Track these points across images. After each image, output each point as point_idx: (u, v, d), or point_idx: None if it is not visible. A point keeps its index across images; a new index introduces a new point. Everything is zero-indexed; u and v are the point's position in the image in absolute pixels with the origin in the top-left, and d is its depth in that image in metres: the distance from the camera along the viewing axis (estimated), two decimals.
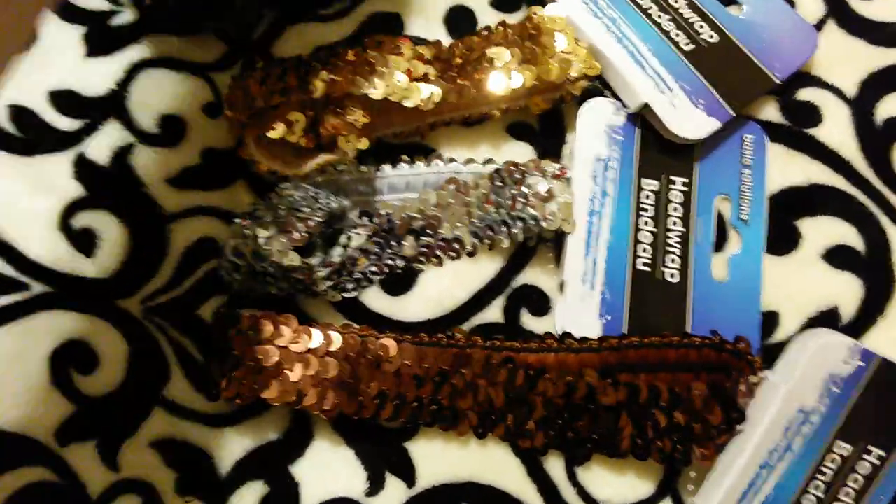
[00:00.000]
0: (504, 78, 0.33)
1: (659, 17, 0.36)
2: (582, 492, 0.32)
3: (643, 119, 0.35)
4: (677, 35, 0.36)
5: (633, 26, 0.36)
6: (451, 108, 0.34)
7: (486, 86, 0.34)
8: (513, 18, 0.38)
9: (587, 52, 0.34)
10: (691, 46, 0.35)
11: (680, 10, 0.36)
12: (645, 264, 0.33)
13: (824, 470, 0.29)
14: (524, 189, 0.33)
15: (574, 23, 0.36)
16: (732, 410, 0.30)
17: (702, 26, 0.36)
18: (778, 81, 0.35)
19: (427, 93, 0.33)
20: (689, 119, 0.34)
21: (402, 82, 0.32)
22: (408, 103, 0.33)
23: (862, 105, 0.36)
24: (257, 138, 0.33)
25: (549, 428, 0.31)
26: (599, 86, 0.36)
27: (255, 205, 0.33)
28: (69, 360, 0.33)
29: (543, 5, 0.37)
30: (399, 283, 0.34)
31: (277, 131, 0.33)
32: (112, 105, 0.36)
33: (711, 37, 0.36)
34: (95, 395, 0.33)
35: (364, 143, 0.33)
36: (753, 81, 0.35)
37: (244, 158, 0.34)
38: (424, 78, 0.33)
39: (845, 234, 0.34)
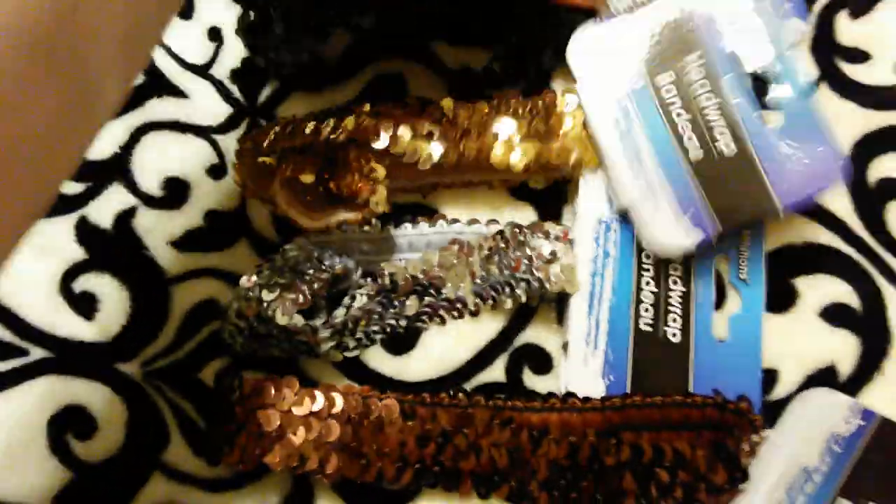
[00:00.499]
0: (506, 150, 0.34)
1: (678, 115, 0.34)
2: None
3: None
4: (690, 139, 0.33)
5: (644, 122, 0.34)
6: (451, 170, 0.34)
7: (487, 154, 0.34)
8: None
9: (590, 141, 0.34)
10: (700, 154, 0.33)
11: (705, 112, 0.34)
12: (647, 324, 0.34)
13: None
14: (528, 251, 0.34)
15: (587, 107, 0.34)
16: (736, 470, 0.30)
17: (722, 133, 0.33)
18: (780, 209, 0.33)
19: (427, 151, 0.33)
20: (671, 228, 0.33)
21: (404, 136, 0.33)
22: (407, 159, 0.33)
23: (855, 166, 0.37)
24: (285, 182, 0.33)
25: (552, 489, 0.31)
26: None
27: (259, 266, 0.33)
28: (68, 426, 0.33)
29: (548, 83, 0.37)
30: (402, 342, 0.35)
31: (309, 175, 0.33)
32: (116, 168, 0.36)
33: (728, 146, 0.33)
34: (94, 462, 0.32)
35: (384, 201, 0.33)
36: (754, 203, 0.33)
37: (265, 202, 0.35)
38: (428, 136, 0.33)
39: (841, 292, 0.35)
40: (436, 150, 0.34)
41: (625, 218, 0.34)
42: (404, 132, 0.33)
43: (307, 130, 0.32)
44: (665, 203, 0.33)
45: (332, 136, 0.32)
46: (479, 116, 0.34)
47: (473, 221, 0.35)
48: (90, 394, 0.33)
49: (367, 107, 0.33)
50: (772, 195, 0.33)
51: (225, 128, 0.37)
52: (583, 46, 0.35)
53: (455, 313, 0.35)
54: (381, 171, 0.33)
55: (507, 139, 0.34)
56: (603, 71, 0.35)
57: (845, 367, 0.34)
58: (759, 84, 0.35)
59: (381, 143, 0.32)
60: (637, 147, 0.34)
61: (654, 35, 0.35)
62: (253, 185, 0.34)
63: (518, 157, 0.34)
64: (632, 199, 0.33)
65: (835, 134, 0.34)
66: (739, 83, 0.34)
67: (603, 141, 0.34)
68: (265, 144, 0.33)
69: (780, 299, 0.35)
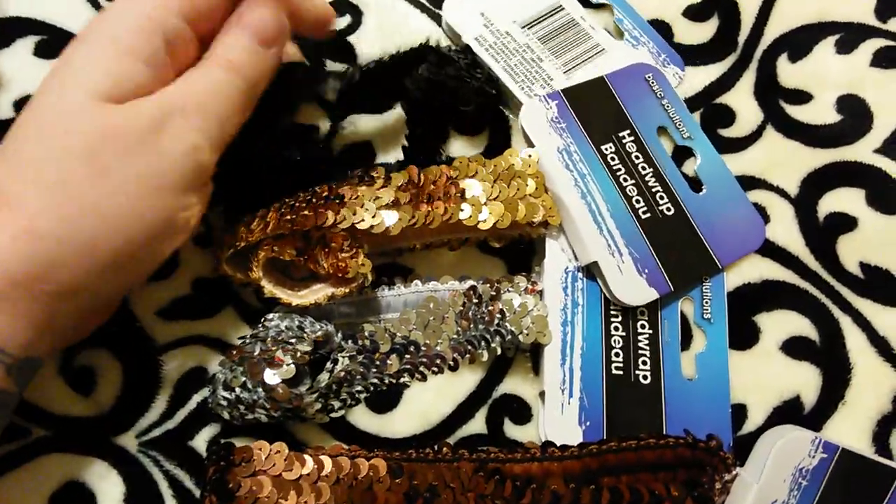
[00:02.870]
0: (473, 210, 0.35)
1: (625, 180, 0.38)
2: None
3: None
4: (638, 202, 0.37)
5: (599, 185, 0.37)
6: (419, 234, 0.36)
7: (454, 217, 0.35)
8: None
9: (552, 200, 0.36)
10: (648, 215, 0.37)
11: (646, 178, 0.38)
12: (618, 368, 0.35)
13: None
14: (500, 304, 0.35)
15: (545, 170, 0.37)
16: None
17: (662, 197, 0.37)
18: (720, 267, 0.37)
19: (391, 221, 0.34)
20: (631, 285, 0.35)
21: (369, 210, 0.34)
22: (376, 230, 0.34)
23: (804, 203, 0.39)
24: (267, 262, 0.34)
25: None
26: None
27: (243, 338, 0.34)
28: (68, 503, 0.33)
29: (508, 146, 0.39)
30: (385, 400, 0.36)
31: (290, 253, 0.34)
32: None
33: (669, 209, 0.37)
34: None
35: (370, 273, 0.35)
36: (698, 262, 0.36)
37: (244, 284, 0.36)
38: (395, 204, 0.35)
39: (800, 325, 0.37)
40: (402, 216, 0.34)
41: (588, 272, 0.36)
42: (369, 206, 0.34)
43: (273, 225, 0.34)
44: (628, 260, 0.35)
45: (296, 227, 0.33)
46: (442, 180, 0.35)
47: (446, 279, 0.37)
48: (88, 469, 0.34)
49: (325, 190, 0.35)
50: (713, 257, 0.37)
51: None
52: (533, 115, 0.39)
53: (435, 369, 0.36)
54: (365, 249, 0.34)
55: (475, 200, 0.35)
56: (555, 138, 0.38)
57: (809, 398, 0.35)
58: (684, 155, 0.40)
59: (346, 223, 0.34)
60: (597, 206, 0.36)
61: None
62: (241, 274, 0.35)
63: (486, 217, 0.35)
64: (598, 255, 0.36)
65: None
66: (666, 156, 0.39)
67: (566, 200, 0.36)
68: (243, 238, 0.34)
69: (744, 336, 0.37)
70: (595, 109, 0.39)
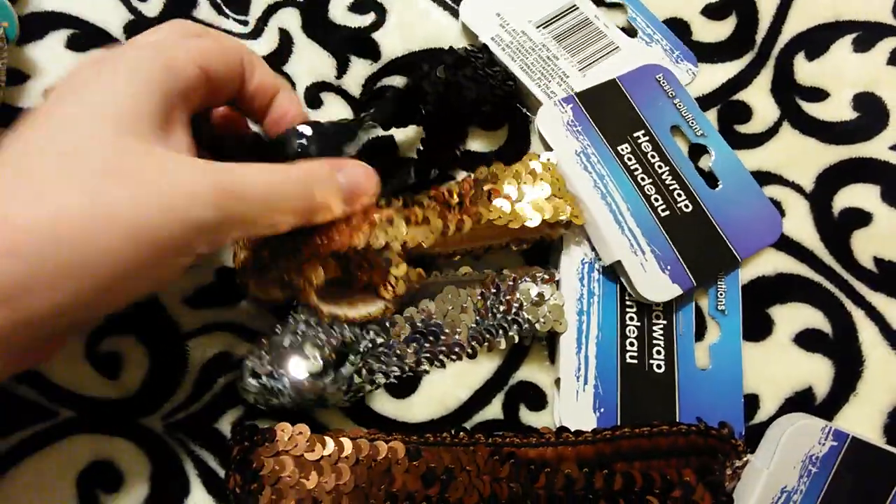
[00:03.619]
0: (504, 212, 0.35)
1: (643, 179, 0.38)
2: None
3: None
4: (656, 200, 0.38)
5: (618, 185, 0.38)
6: (447, 244, 0.37)
7: (484, 218, 0.35)
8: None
9: (575, 201, 0.37)
10: (667, 213, 0.38)
11: (663, 176, 0.38)
12: (633, 357, 0.36)
13: None
14: (517, 294, 0.36)
15: (565, 173, 0.38)
16: (721, 494, 0.32)
17: (679, 195, 0.38)
18: (739, 260, 0.37)
19: (423, 236, 0.35)
20: (655, 283, 0.36)
21: (400, 228, 0.34)
22: (410, 246, 0.35)
23: (819, 199, 0.39)
24: (317, 288, 0.34)
25: None
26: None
27: (275, 328, 0.35)
28: (95, 482, 0.34)
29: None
30: (404, 386, 0.37)
31: (336, 273, 0.35)
32: None
33: (687, 206, 0.38)
34: None
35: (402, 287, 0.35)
36: (718, 257, 0.37)
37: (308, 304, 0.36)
38: (425, 221, 0.35)
39: (813, 318, 0.37)
40: (433, 230, 0.35)
41: (607, 272, 0.37)
42: (399, 224, 0.34)
43: (313, 244, 0.33)
44: (651, 258, 0.36)
45: (330, 250, 0.33)
46: (466, 187, 0.36)
47: (465, 270, 0.38)
48: (115, 449, 0.35)
49: (353, 218, 0.34)
50: (733, 251, 0.37)
51: None
52: (549, 119, 0.39)
53: (453, 356, 0.37)
54: (413, 273, 0.35)
55: (502, 202, 0.35)
56: (572, 141, 0.39)
57: (821, 389, 0.36)
58: (699, 152, 0.41)
59: (380, 243, 0.34)
60: (617, 205, 0.37)
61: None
62: (269, 292, 0.36)
63: (515, 217, 0.35)
64: (621, 255, 0.36)
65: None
66: (681, 154, 0.39)
67: (587, 201, 0.37)
68: (267, 264, 0.34)
69: (757, 328, 0.37)
70: (609, 111, 0.40)
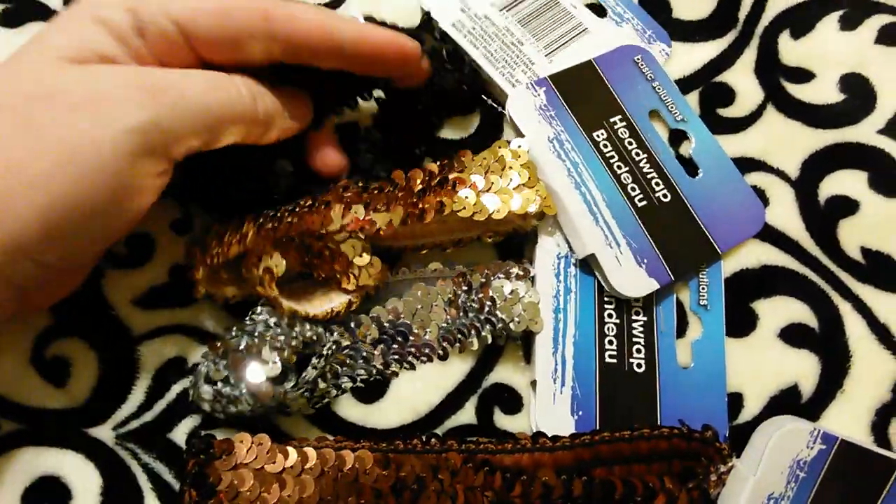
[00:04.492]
0: (469, 202, 0.33)
1: (619, 167, 0.36)
2: None
3: None
4: (633, 189, 0.36)
5: (592, 173, 0.36)
6: (409, 235, 0.35)
7: (447, 209, 0.33)
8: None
9: (546, 191, 0.35)
10: (644, 203, 0.36)
11: (640, 164, 0.36)
12: (612, 356, 0.34)
13: None
14: (490, 292, 0.34)
15: (537, 161, 0.36)
16: (704, 501, 0.31)
17: (658, 184, 0.36)
18: (720, 252, 0.36)
19: (383, 221, 0.33)
20: (631, 277, 0.34)
21: (357, 214, 0.33)
22: (366, 233, 0.33)
23: (805, 186, 0.38)
24: (274, 279, 0.33)
25: None
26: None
27: (229, 331, 0.33)
28: (42, 498, 0.32)
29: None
30: (372, 390, 0.35)
31: (296, 266, 0.33)
32: None
33: (665, 196, 0.36)
34: None
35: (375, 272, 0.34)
36: (697, 249, 0.35)
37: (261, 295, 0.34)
38: (385, 208, 0.33)
39: (799, 312, 0.36)
40: (393, 216, 0.33)
41: (584, 266, 0.35)
42: (357, 209, 0.32)
43: (262, 230, 0.32)
44: (626, 251, 0.34)
45: (284, 234, 0.32)
46: (431, 178, 0.34)
47: (435, 266, 0.36)
48: (63, 462, 0.33)
49: (309, 200, 0.33)
50: (713, 244, 0.35)
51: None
52: (521, 103, 0.37)
53: (423, 358, 0.35)
54: (376, 262, 0.33)
55: (467, 192, 0.34)
56: (545, 126, 0.37)
57: (807, 386, 0.35)
58: (679, 138, 0.39)
59: (335, 225, 0.32)
60: (592, 195, 0.35)
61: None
62: (225, 289, 0.34)
63: (481, 208, 0.33)
64: (595, 247, 0.34)
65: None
66: (660, 140, 0.37)
67: (560, 191, 0.35)
68: (222, 251, 0.32)
69: (740, 323, 0.36)
70: (584, 95, 0.38)
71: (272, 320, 0.33)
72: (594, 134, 0.37)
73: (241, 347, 0.32)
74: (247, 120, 0.30)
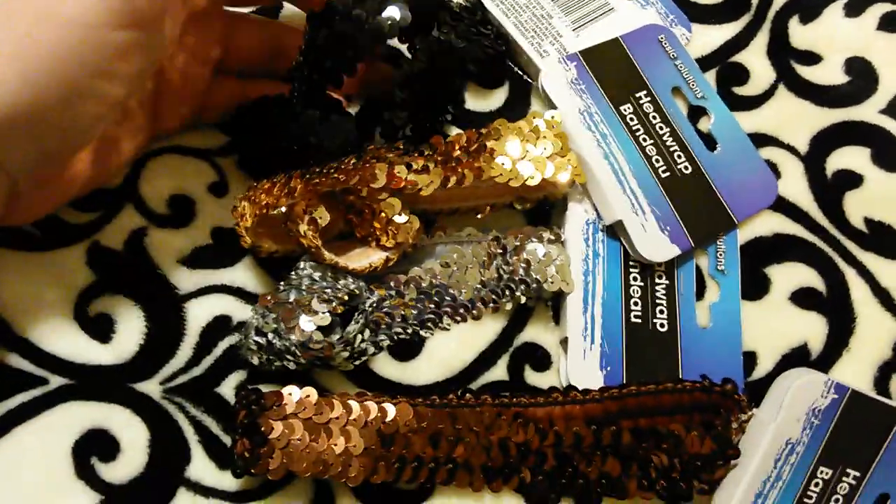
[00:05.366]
0: (503, 169, 0.35)
1: (644, 140, 0.38)
2: None
3: None
4: (657, 161, 0.38)
5: (620, 145, 0.38)
6: (446, 198, 0.37)
7: (486, 174, 0.35)
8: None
9: (577, 160, 0.37)
10: (668, 174, 0.38)
11: (664, 138, 0.38)
12: (637, 316, 0.36)
13: (810, 494, 0.33)
14: (524, 255, 0.36)
15: (568, 131, 0.38)
16: (728, 447, 0.33)
17: (680, 156, 0.38)
18: (737, 222, 0.38)
19: (426, 181, 0.34)
20: (655, 243, 0.36)
21: (401, 173, 0.34)
22: (408, 192, 0.34)
23: (813, 161, 0.40)
24: (321, 232, 0.34)
25: (560, 477, 0.33)
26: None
27: (278, 285, 0.34)
28: (92, 450, 0.33)
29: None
30: (408, 348, 0.36)
31: (339, 222, 0.35)
32: (126, 193, 0.37)
33: (686, 168, 0.38)
34: (120, 483, 0.33)
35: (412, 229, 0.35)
36: (716, 218, 0.38)
37: (271, 253, 0.36)
38: (424, 170, 0.34)
39: (808, 277, 0.38)
40: (433, 178, 0.34)
41: (611, 232, 0.37)
42: (400, 170, 0.34)
43: (309, 184, 0.33)
44: (651, 219, 0.36)
45: (330, 188, 0.33)
46: (470, 143, 0.35)
47: (471, 231, 0.37)
48: (111, 417, 0.34)
49: (353, 158, 0.34)
50: (730, 213, 0.38)
51: (224, 151, 0.39)
52: (554, 77, 0.39)
53: (458, 318, 0.37)
54: (414, 220, 0.35)
55: (504, 160, 0.35)
56: (576, 99, 0.39)
57: (816, 345, 0.37)
58: (698, 114, 0.41)
59: (380, 182, 0.33)
60: (620, 166, 0.37)
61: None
62: (266, 243, 0.35)
63: (517, 175, 0.35)
64: (623, 215, 0.36)
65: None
66: (681, 115, 0.40)
67: (589, 161, 0.37)
68: (271, 202, 0.33)
69: (755, 287, 0.38)
70: (612, 71, 0.40)
71: (316, 274, 0.34)
72: (621, 108, 0.39)
73: (291, 300, 0.33)
74: None
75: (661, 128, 0.39)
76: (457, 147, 0.35)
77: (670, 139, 0.38)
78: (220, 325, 0.36)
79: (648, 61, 0.40)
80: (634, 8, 0.42)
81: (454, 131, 0.40)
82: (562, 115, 0.38)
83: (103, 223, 0.37)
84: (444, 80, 0.38)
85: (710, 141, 0.40)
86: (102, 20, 0.27)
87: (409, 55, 0.39)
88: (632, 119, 0.39)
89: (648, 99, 0.39)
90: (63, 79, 0.27)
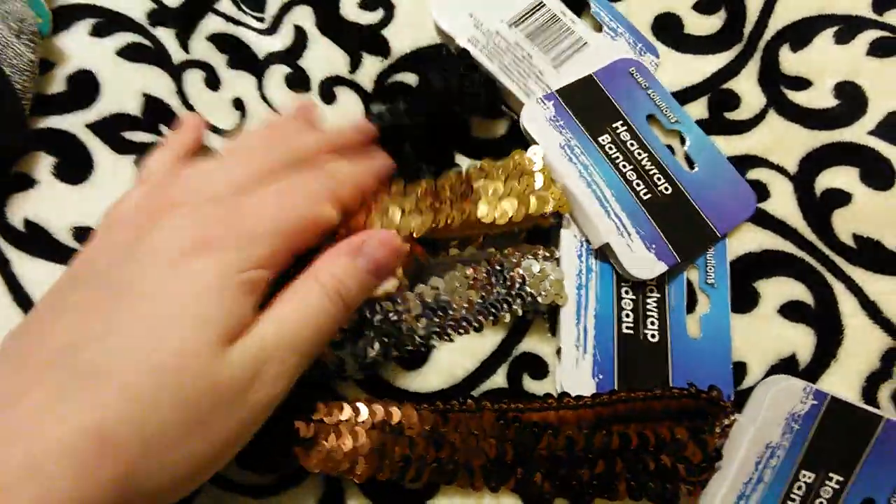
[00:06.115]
0: (489, 208, 0.38)
1: (624, 166, 0.41)
2: None
3: None
4: (638, 185, 0.40)
5: (601, 173, 0.40)
6: (441, 232, 0.39)
7: (472, 216, 0.38)
8: None
9: (561, 192, 0.39)
10: (649, 196, 0.40)
11: (643, 162, 0.41)
12: (628, 328, 0.38)
13: (793, 496, 0.34)
14: (521, 270, 0.39)
15: (551, 165, 0.40)
16: (711, 451, 0.34)
17: (659, 178, 0.40)
18: (719, 235, 0.40)
19: (417, 222, 0.38)
20: (642, 262, 0.38)
21: (394, 217, 0.37)
22: (402, 233, 0.38)
23: (802, 180, 0.42)
24: None
25: (554, 478, 0.35)
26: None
27: None
28: None
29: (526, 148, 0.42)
30: (414, 359, 0.39)
31: None
32: None
33: (667, 189, 0.40)
34: None
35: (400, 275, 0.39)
36: (699, 233, 0.40)
37: None
38: (416, 211, 0.38)
39: (796, 290, 0.40)
40: (424, 220, 0.38)
41: (601, 255, 0.40)
42: (394, 213, 0.37)
43: None
44: (636, 239, 0.39)
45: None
46: (457, 184, 0.39)
47: (471, 250, 0.40)
48: None
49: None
50: (712, 228, 0.40)
51: None
52: (533, 116, 0.42)
53: (461, 330, 0.39)
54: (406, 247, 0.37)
55: (489, 199, 0.38)
56: (556, 134, 0.42)
57: (804, 356, 0.38)
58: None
59: (377, 226, 0.37)
60: (602, 192, 0.40)
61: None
62: None
63: (501, 213, 0.38)
64: (609, 237, 0.39)
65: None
66: (658, 141, 0.42)
67: (574, 190, 0.40)
68: None
69: (744, 300, 0.40)
70: (588, 105, 0.42)
71: None
72: (599, 139, 0.42)
73: None
74: (343, 317, 0.31)
75: (639, 153, 0.41)
76: (447, 186, 0.39)
77: (649, 163, 0.41)
78: None
79: (621, 93, 0.43)
80: (605, 40, 0.45)
81: (460, 158, 0.43)
82: (544, 150, 0.40)
83: None
84: (445, 123, 0.42)
85: (687, 162, 0.42)
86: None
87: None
88: (610, 148, 0.41)
89: (625, 128, 0.42)
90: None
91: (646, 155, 0.41)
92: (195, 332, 0.26)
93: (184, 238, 0.28)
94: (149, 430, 0.24)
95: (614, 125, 0.42)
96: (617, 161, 0.41)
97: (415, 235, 0.38)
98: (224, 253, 0.28)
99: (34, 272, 0.39)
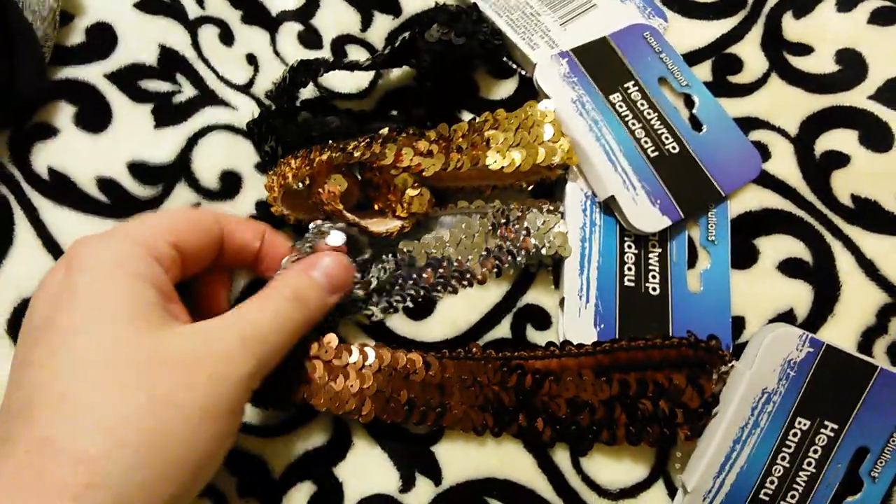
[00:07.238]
0: (499, 156, 0.39)
1: (633, 124, 0.42)
2: (586, 479, 0.37)
3: None
4: (646, 142, 0.41)
5: (610, 129, 0.41)
6: (451, 178, 0.41)
7: (481, 162, 0.39)
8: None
9: (570, 144, 0.40)
10: (656, 153, 0.41)
11: (651, 121, 0.42)
12: (630, 281, 0.39)
13: (788, 443, 0.35)
14: (525, 223, 0.40)
15: (562, 119, 0.41)
16: (708, 396, 0.35)
17: (667, 137, 0.41)
18: (723, 194, 0.41)
19: (429, 163, 0.38)
20: (646, 215, 0.39)
21: (407, 154, 0.38)
22: (413, 171, 0.38)
23: (803, 142, 0.43)
24: (341, 197, 0.38)
25: (555, 423, 0.36)
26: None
27: (299, 239, 0.38)
28: None
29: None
30: (420, 309, 0.40)
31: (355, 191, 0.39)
32: (180, 169, 0.42)
33: (674, 147, 0.41)
34: None
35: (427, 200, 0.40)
36: (703, 191, 0.41)
37: (298, 222, 0.40)
38: (428, 154, 0.39)
39: (795, 248, 0.41)
40: (436, 162, 0.38)
41: (606, 208, 0.41)
42: (407, 152, 0.38)
43: (327, 157, 0.37)
44: (641, 193, 0.40)
45: (345, 162, 0.38)
46: (469, 132, 0.39)
47: (478, 202, 0.41)
48: None
49: (367, 139, 0.38)
50: (716, 186, 0.41)
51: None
52: (547, 71, 0.43)
53: (465, 282, 0.40)
54: (425, 192, 0.39)
55: (498, 147, 0.39)
56: (568, 90, 0.43)
57: (802, 311, 0.39)
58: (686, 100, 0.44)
59: (388, 160, 0.38)
60: (611, 147, 0.41)
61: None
62: (293, 212, 0.40)
63: (510, 162, 0.39)
64: (615, 190, 0.40)
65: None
66: (668, 102, 0.43)
67: (583, 144, 0.41)
68: (293, 175, 0.38)
69: (744, 257, 0.41)
70: (601, 65, 0.44)
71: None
72: (611, 97, 0.42)
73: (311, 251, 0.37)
74: (306, 322, 0.33)
75: (648, 113, 0.42)
76: (459, 134, 0.40)
77: (658, 123, 0.42)
78: (256, 284, 0.40)
79: (635, 56, 0.44)
80: (615, 2, 0.46)
81: (468, 117, 0.44)
82: (555, 104, 0.41)
83: (163, 199, 0.41)
84: (450, 75, 0.43)
85: (695, 124, 0.43)
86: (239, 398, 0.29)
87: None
88: (621, 106, 0.42)
89: (636, 88, 0.43)
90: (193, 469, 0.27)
91: (655, 115, 0.42)
92: (109, 323, 0.28)
93: None
94: (104, 423, 0.25)
95: (626, 85, 0.43)
96: (626, 118, 0.42)
97: (424, 174, 0.38)
98: None
99: (63, 220, 0.40)
